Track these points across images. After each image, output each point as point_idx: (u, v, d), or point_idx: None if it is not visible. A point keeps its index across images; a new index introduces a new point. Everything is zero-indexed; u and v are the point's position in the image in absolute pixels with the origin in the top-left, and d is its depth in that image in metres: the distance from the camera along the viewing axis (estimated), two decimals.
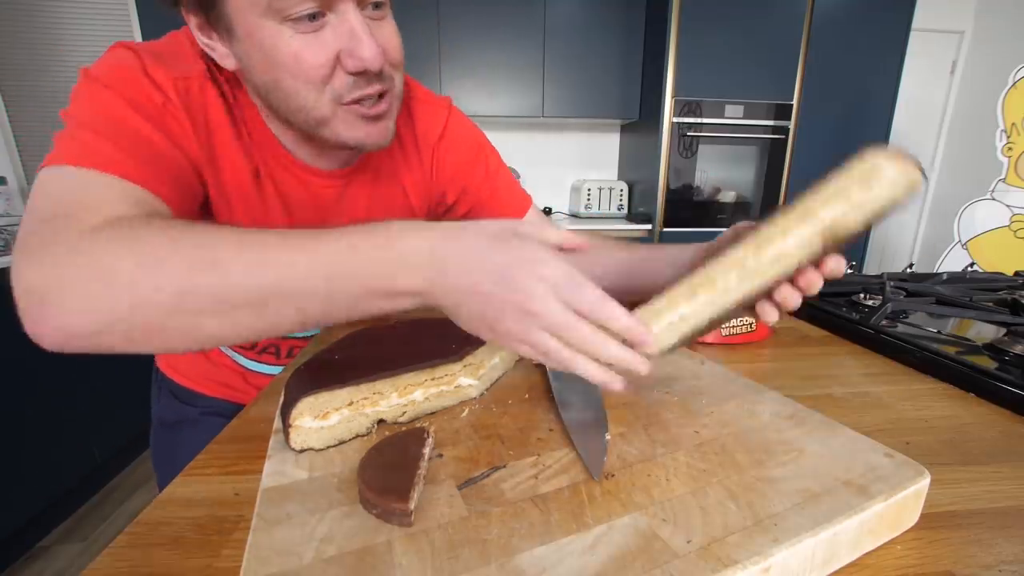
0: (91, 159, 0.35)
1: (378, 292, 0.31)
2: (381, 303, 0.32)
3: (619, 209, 2.57)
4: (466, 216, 0.67)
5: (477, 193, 0.64)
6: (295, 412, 0.33)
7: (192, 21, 0.42)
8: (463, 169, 0.63)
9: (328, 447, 0.34)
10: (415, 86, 0.61)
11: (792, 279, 0.33)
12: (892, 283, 0.78)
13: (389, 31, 0.45)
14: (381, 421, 0.37)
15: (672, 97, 2.23)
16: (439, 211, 0.67)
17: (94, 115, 0.38)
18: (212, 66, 0.46)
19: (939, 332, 0.63)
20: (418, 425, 0.37)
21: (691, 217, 2.41)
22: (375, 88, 0.45)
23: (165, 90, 0.42)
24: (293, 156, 0.52)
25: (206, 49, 0.44)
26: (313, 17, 0.40)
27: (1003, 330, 0.62)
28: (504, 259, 0.30)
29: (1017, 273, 0.93)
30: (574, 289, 0.29)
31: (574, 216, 2.65)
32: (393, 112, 0.49)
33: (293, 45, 0.40)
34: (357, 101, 0.44)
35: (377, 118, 0.47)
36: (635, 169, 2.62)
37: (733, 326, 0.61)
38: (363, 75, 0.43)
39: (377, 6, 0.44)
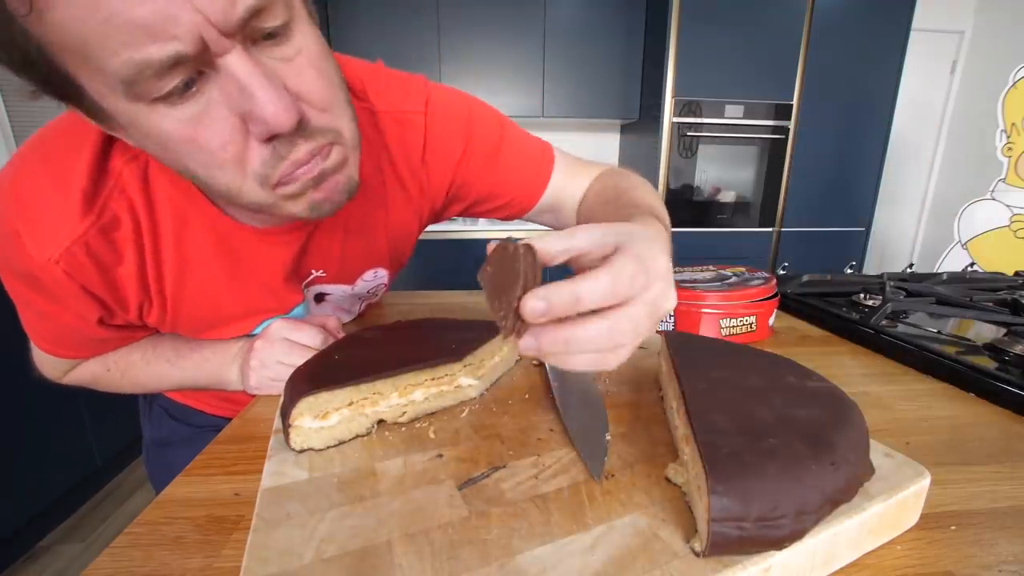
0: (35, 341, 0.50)
1: (216, 384, 0.53)
2: (223, 386, 0.53)
3: None
4: (475, 204, 0.60)
5: (479, 186, 0.57)
6: (295, 412, 0.33)
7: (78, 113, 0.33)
8: (459, 167, 0.55)
9: (328, 447, 0.34)
10: (377, 97, 0.49)
11: None
12: (892, 283, 0.78)
13: (303, 65, 0.33)
14: (381, 421, 0.37)
15: (672, 97, 2.23)
16: (439, 209, 0.60)
17: (22, 307, 0.46)
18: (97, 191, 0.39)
19: (939, 332, 0.63)
20: (418, 425, 0.37)
21: (691, 217, 2.41)
22: (305, 149, 0.34)
23: (45, 274, 0.39)
24: (235, 220, 0.45)
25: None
26: (188, 85, 0.29)
27: (1003, 330, 0.62)
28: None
29: (1017, 273, 0.93)
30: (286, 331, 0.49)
31: None
32: (349, 165, 0.39)
33: (180, 129, 0.30)
34: (291, 177, 0.35)
35: (321, 178, 0.36)
36: (635, 169, 2.59)
37: (733, 326, 0.61)
38: (279, 139, 0.33)
39: (271, 36, 0.31)
